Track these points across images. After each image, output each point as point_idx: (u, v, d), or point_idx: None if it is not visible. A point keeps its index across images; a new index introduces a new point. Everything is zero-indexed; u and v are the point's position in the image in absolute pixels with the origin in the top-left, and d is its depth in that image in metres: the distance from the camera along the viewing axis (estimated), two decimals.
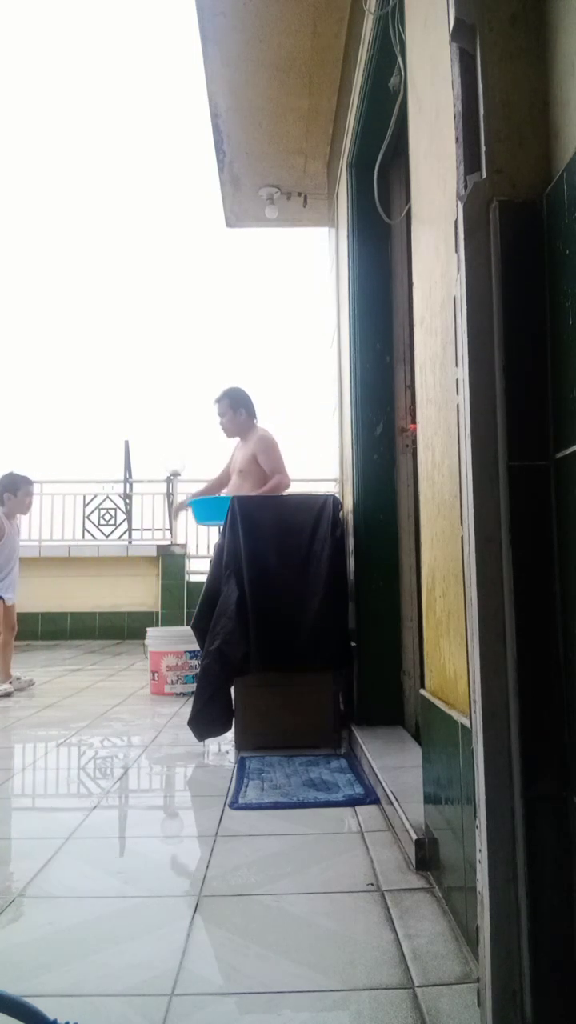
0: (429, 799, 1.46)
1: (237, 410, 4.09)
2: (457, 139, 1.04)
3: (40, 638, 7.55)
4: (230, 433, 4.22)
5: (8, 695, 3.98)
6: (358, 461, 2.79)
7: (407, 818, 1.59)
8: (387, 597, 2.70)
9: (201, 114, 3.49)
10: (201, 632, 2.73)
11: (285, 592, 2.64)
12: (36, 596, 5.30)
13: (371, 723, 2.63)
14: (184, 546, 8.23)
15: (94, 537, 8.30)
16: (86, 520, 8.37)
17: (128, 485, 8.86)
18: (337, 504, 2.78)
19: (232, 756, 2.53)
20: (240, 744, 2.60)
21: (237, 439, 4.21)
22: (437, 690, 1.41)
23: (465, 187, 1.00)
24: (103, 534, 8.35)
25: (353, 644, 2.73)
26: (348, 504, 2.91)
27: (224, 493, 4.28)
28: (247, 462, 4.12)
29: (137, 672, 4.97)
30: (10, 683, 4.09)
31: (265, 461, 4.08)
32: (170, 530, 8.63)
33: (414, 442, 2.46)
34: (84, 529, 8.35)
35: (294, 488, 9.31)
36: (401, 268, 2.78)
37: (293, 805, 1.92)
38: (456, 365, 1.04)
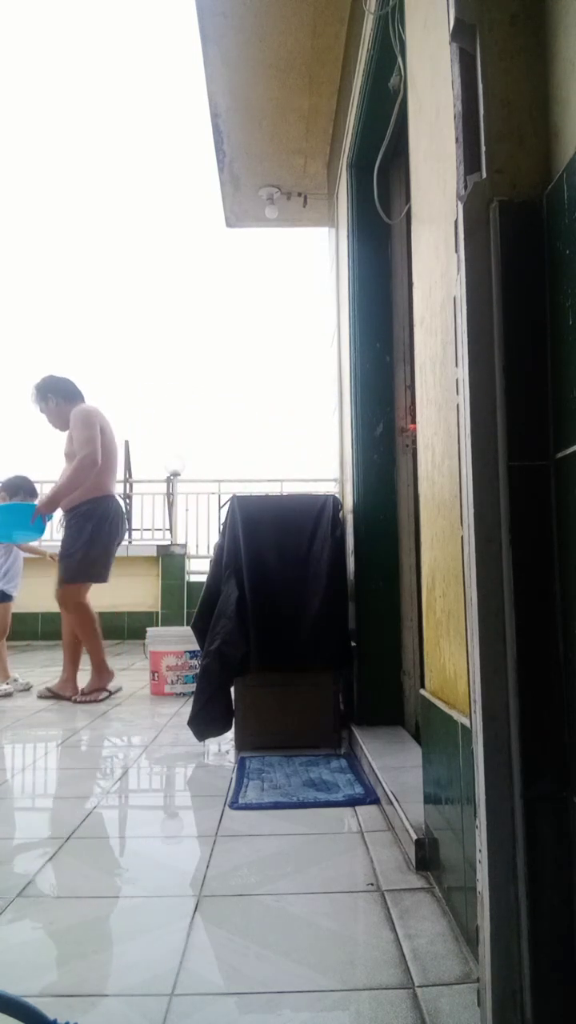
0: (429, 799, 1.46)
1: (47, 399, 3.82)
2: (457, 139, 1.03)
3: (40, 638, 7.54)
4: (60, 426, 3.91)
5: (8, 695, 3.98)
6: (358, 461, 2.79)
7: (407, 818, 1.59)
8: (387, 597, 2.70)
9: (201, 114, 3.50)
10: (201, 632, 2.73)
11: (285, 592, 2.64)
12: (36, 596, 5.29)
13: (371, 723, 2.63)
14: (184, 546, 8.23)
15: None
16: None
17: (128, 485, 8.87)
18: (337, 504, 2.78)
19: (232, 756, 2.53)
20: (240, 744, 2.60)
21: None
22: (437, 690, 1.41)
23: (465, 187, 1.00)
24: None
25: (353, 644, 2.73)
26: (348, 504, 2.91)
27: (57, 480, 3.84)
28: (68, 444, 3.79)
29: (137, 672, 4.97)
30: (8, 683, 4.08)
31: (76, 438, 3.69)
32: (170, 530, 8.64)
33: (414, 442, 2.46)
34: None
35: (295, 488, 9.26)
36: (401, 268, 2.78)
37: (293, 805, 1.92)
38: (456, 365, 1.04)
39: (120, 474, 8.70)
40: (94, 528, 3.71)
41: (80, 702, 3.66)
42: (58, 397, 3.82)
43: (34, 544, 4.46)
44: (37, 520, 3.75)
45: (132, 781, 2.25)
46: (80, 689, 3.83)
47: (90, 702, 3.66)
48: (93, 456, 3.64)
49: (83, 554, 3.70)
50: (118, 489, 8.59)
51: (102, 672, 3.80)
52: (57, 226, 20.69)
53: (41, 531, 3.89)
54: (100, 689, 3.75)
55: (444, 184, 1.27)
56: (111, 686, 3.82)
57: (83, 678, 3.86)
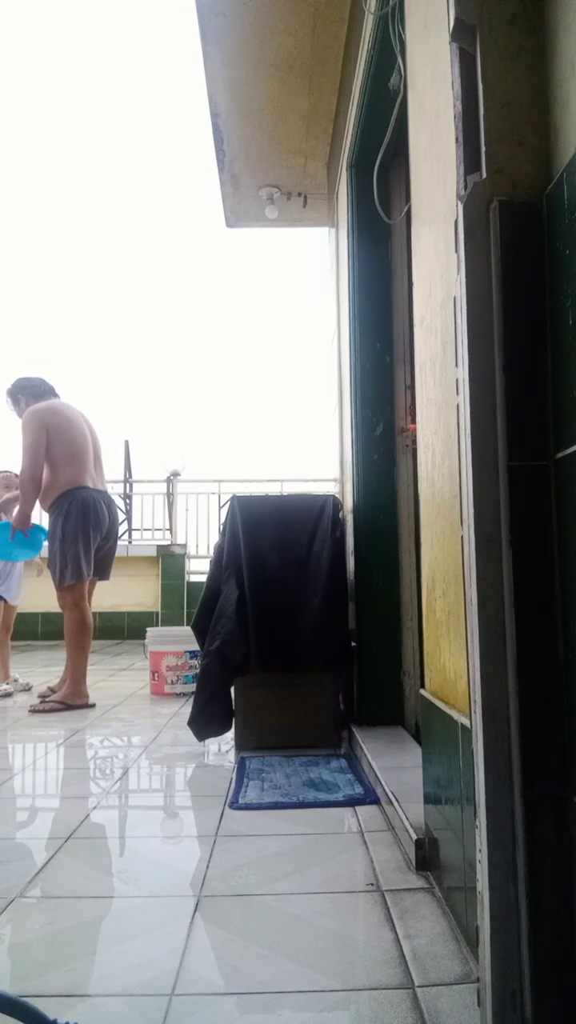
0: (429, 799, 1.46)
1: (19, 402, 3.74)
2: (457, 139, 1.03)
3: (40, 638, 7.54)
4: None
5: (8, 695, 3.98)
6: (358, 461, 2.79)
7: (407, 818, 1.59)
8: (387, 597, 2.70)
9: (201, 114, 3.50)
10: (201, 632, 2.73)
11: (285, 592, 2.64)
12: (36, 596, 5.30)
13: (371, 723, 2.63)
14: (184, 546, 8.23)
15: None
16: None
17: (128, 485, 8.87)
18: (337, 504, 2.78)
19: (232, 756, 2.53)
20: (240, 744, 2.60)
21: None
22: (437, 690, 1.41)
23: (465, 187, 1.00)
24: None
25: (353, 644, 2.73)
26: (348, 504, 2.91)
27: None
28: None
29: (137, 672, 4.97)
30: (9, 684, 4.08)
31: (22, 444, 3.55)
32: (170, 530, 8.64)
33: (414, 442, 2.46)
34: None
35: (295, 488, 9.26)
36: (401, 268, 2.78)
37: (293, 805, 1.92)
38: (456, 365, 1.04)
39: (120, 473, 8.74)
40: (62, 525, 3.58)
41: (35, 710, 3.44)
42: (28, 396, 3.74)
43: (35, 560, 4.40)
44: (31, 537, 3.66)
45: (132, 781, 2.25)
46: (49, 689, 3.70)
47: (44, 711, 3.43)
48: (29, 468, 3.53)
49: (60, 555, 3.57)
50: (117, 489, 8.49)
51: (78, 688, 3.55)
52: (57, 226, 20.71)
53: (37, 548, 3.80)
54: (63, 704, 3.48)
55: (444, 184, 1.27)
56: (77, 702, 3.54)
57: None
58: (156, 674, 3.96)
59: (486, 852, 0.92)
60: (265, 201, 4.17)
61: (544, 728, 0.92)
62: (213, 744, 2.71)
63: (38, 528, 3.74)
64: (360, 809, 1.89)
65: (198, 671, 2.71)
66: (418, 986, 1.06)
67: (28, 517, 3.60)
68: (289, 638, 2.60)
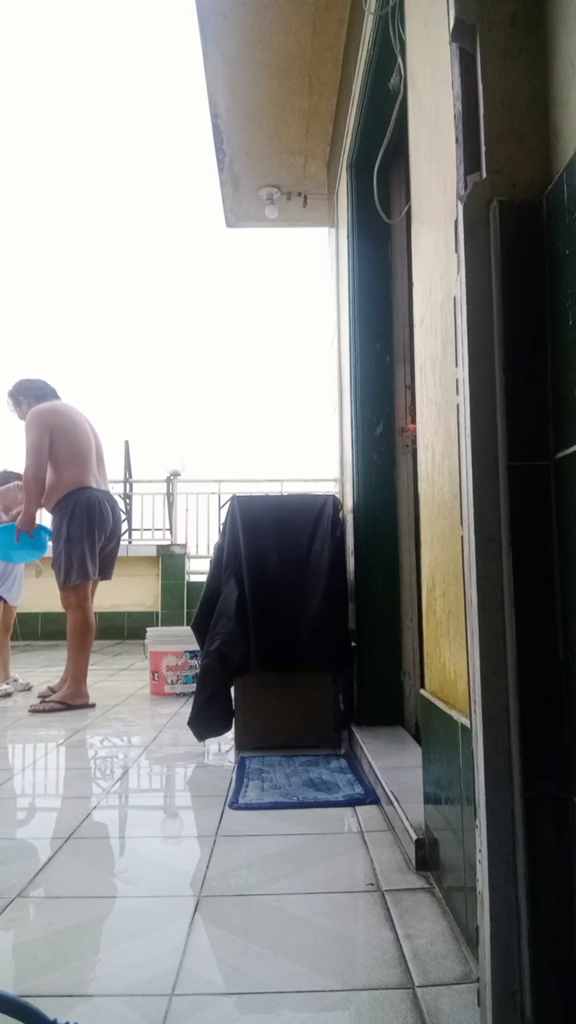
0: (429, 799, 1.46)
1: (20, 403, 3.76)
2: (457, 139, 1.03)
3: (40, 638, 7.55)
4: None
5: (8, 695, 3.98)
6: (358, 461, 2.79)
7: (407, 818, 1.59)
8: (387, 597, 2.70)
9: (201, 114, 3.50)
10: (201, 632, 2.73)
11: (285, 592, 2.64)
12: (36, 596, 5.30)
13: (371, 723, 2.63)
14: (184, 546, 8.24)
15: None
16: None
17: (128, 485, 8.87)
18: (337, 504, 2.78)
19: (232, 756, 2.53)
20: (240, 744, 2.60)
21: None
22: (437, 690, 1.41)
23: (465, 187, 1.00)
24: None
25: (353, 644, 2.73)
26: (348, 504, 2.91)
27: None
28: None
29: (137, 672, 4.97)
30: (8, 684, 4.08)
31: (25, 445, 3.56)
32: (170, 530, 8.64)
33: (414, 442, 2.46)
34: None
35: (295, 488, 9.25)
36: (401, 268, 2.78)
37: (293, 805, 1.92)
38: (456, 365, 1.04)
39: (120, 473, 8.74)
40: (68, 525, 3.57)
41: (35, 709, 3.45)
42: (29, 398, 3.75)
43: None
44: (36, 538, 3.67)
45: (132, 781, 2.25)
46: (49, 689, 3.71)
47: (44, 711, 3.43)
48: (32, 468, 3.54)
49: (65, 555, 3.57)
50: (116, 489, 8.47)
51: (78, 688, 3.56)
52: (57, 226, 20.71)
53: (42, 548, 3.81)
54: (64, 704, 3.49)
55: (444, 184, 1.27)
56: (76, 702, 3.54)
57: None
58: (156, 674, 3.96)
59: (486, 852, 0.92)
60: (265, 201, 4.17)
61: (544, 728, 0.92)
62: (213, 744, 2.71)
63: (42, 528, 3.75)
64: (360, 809, 1.89)
65: (198, 671, 2.71)
66: (418, 986, 1.06)
67: (33, 518, 3.60)
68: (289, 638, 2.60)
